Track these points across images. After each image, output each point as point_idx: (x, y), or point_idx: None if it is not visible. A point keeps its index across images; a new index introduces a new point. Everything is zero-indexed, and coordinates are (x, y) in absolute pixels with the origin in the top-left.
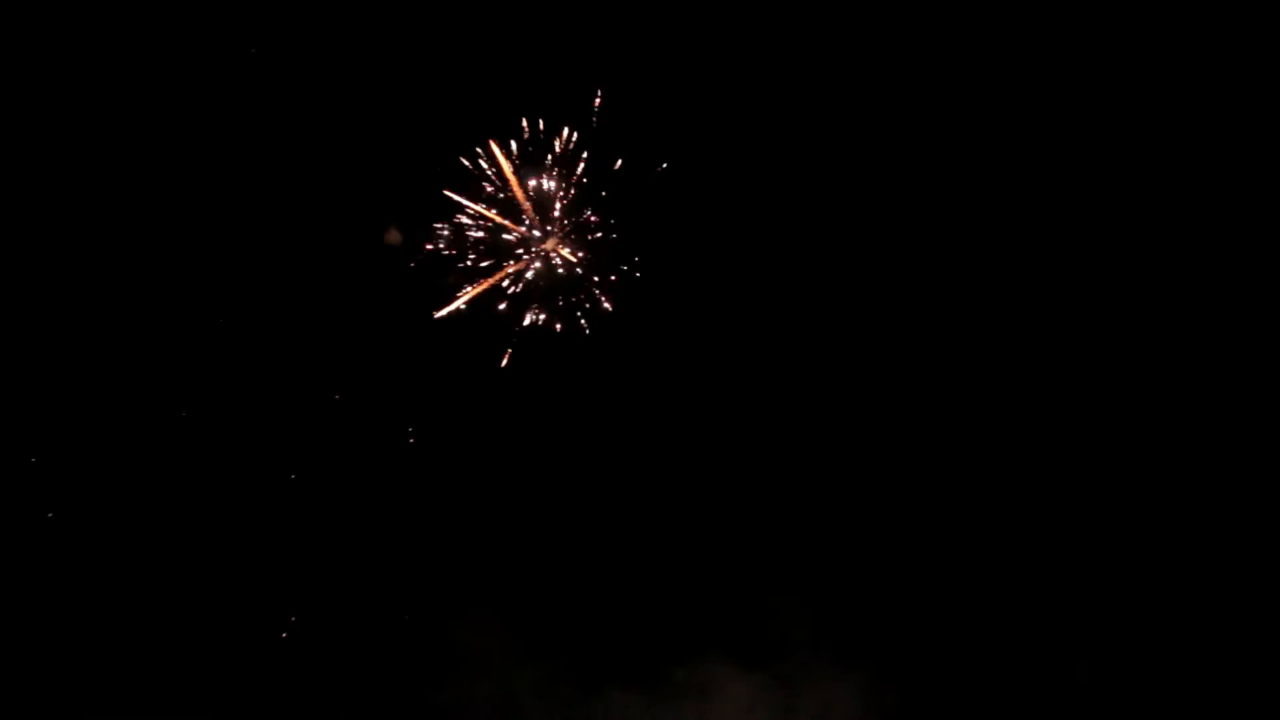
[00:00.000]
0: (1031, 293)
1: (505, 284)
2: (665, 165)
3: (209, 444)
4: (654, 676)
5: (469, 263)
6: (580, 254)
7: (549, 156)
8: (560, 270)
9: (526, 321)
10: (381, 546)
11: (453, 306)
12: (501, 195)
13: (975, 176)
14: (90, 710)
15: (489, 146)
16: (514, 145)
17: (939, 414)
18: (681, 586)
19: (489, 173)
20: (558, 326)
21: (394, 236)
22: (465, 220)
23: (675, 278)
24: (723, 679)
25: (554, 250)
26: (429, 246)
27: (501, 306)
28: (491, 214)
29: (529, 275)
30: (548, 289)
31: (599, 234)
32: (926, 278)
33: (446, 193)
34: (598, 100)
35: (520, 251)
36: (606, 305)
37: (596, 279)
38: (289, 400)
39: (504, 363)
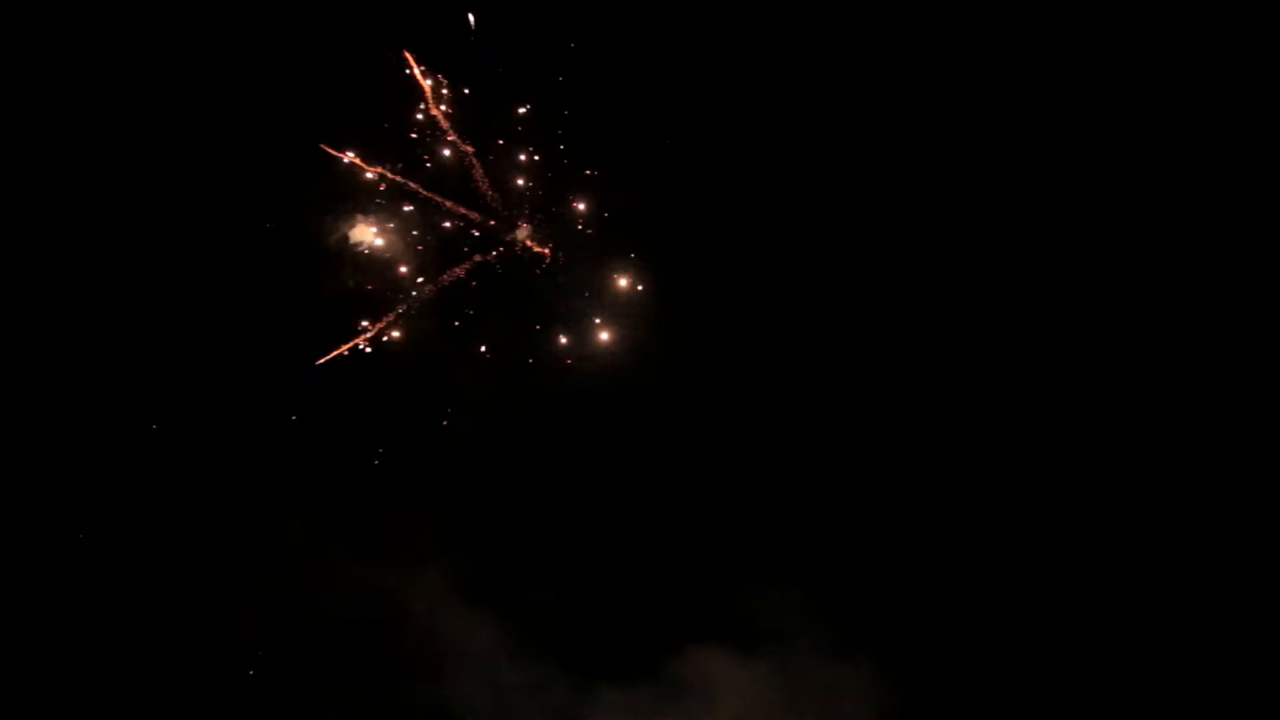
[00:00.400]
0: (1025, 281)
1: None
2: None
3: (184, 448)
4: (651, 672)
5: (401, 271)
6: (559, 251)
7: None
8: (537, 271)
9: (484, 349)
10: (369, 545)
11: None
12: (447, 163)
13: (966, 168)
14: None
15: (411, 69)
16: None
17: (938, 397)
18: (677, 578)
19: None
20: (530, 360)
21: (361, 232)
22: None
23: (679, 277)
24: (722, 672)
25: (523, 244)
26: (349, 239)
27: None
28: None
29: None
30: (515, 296)
31: (587, 226)
32: (921, 263)
33: (355, 162)
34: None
35: (474, 246)
36: (602, 332)
37: (588, 295)
38: (259, 399)
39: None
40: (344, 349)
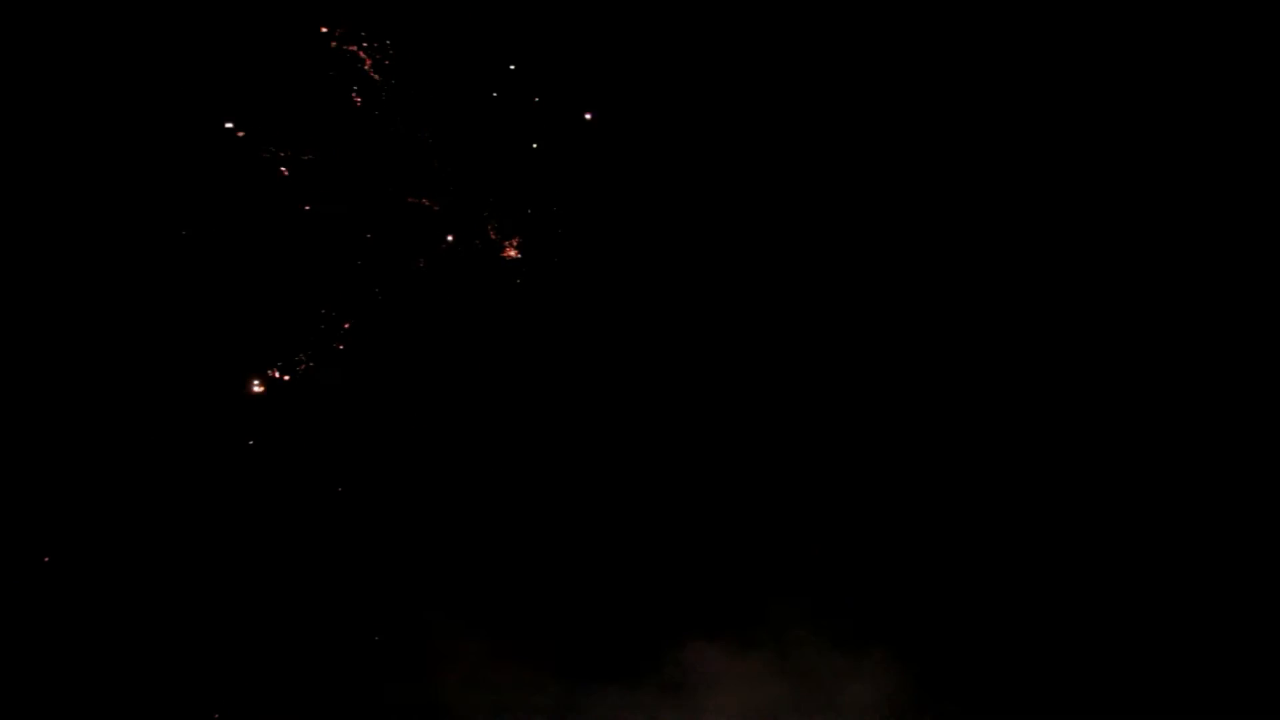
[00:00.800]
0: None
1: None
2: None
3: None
4: (645, 669)
5: (346, 272)
6: (528, 245)
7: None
8: (502, 265)
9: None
10: (351, 544)
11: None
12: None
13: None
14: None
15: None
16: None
17: (940, 378)
18: (672, 571)
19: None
20: (502, 359)
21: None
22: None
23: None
24: (720, 668)
25: (489, 235)
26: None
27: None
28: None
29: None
30: (478, 294)
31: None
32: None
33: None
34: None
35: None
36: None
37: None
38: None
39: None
40: (284, 367)
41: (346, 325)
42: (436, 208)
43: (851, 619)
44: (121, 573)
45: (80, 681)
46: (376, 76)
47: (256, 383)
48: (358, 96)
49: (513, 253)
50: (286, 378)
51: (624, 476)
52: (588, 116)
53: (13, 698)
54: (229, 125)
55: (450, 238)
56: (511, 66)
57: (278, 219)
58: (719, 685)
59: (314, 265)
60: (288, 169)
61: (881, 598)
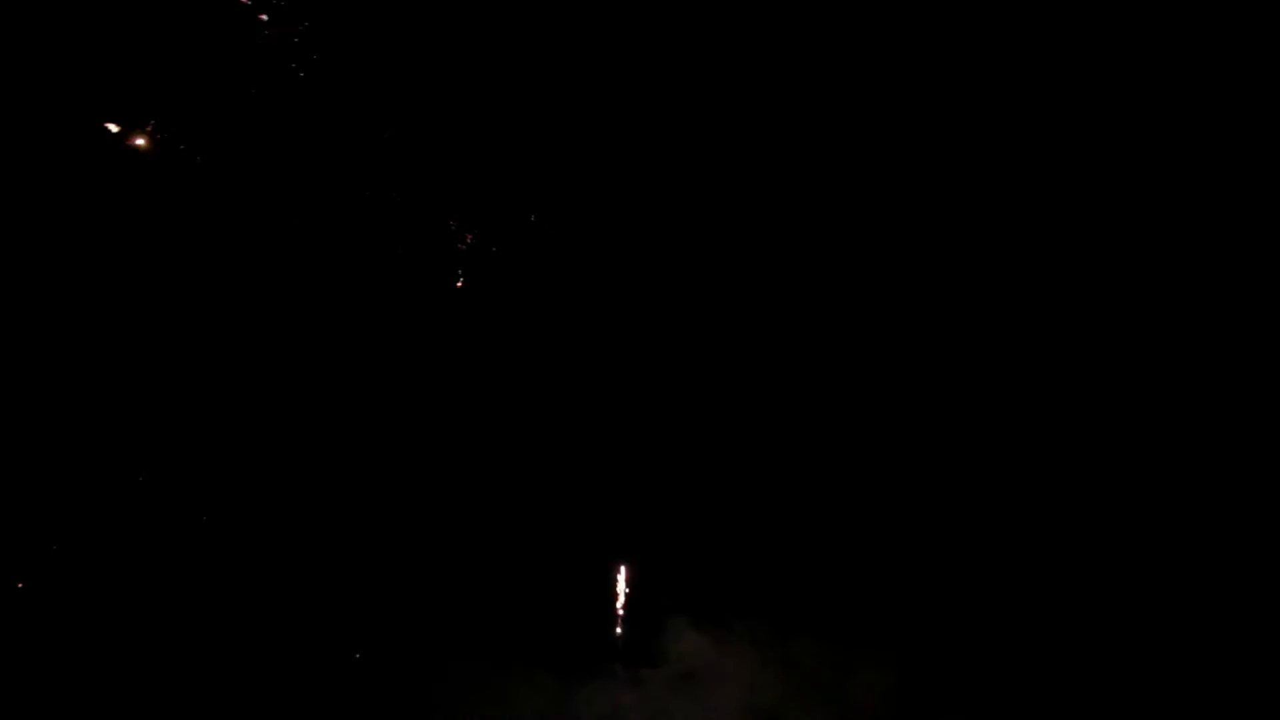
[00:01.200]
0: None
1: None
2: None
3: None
4: (646, 666)
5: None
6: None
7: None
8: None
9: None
10: (348, 545)
11: None
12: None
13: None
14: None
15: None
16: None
17: (940, 378)
18: (673, 569)
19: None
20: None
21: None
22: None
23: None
24: (722, 665)
25: (455, 229)
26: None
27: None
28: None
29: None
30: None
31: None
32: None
33: None
34: None
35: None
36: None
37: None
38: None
39: None
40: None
41: (324, 325)
42: (399, 201)
43: (853, 615)
44: (119, 575)
45: (79, 681)
46: (333, 75)
47: (247, 384)
48: (314, 96)
49: (472, 239)
50: (272, 378)
51: (624, 474)
52: (549, 112)
53: (12, 698)
54: (179, 126)
55: (413, 232)
56: (472, 63)
57: (242, 220)
58: (721, 682)
59: (280, 266)
60: (246, 170)
61: (882, 594)
